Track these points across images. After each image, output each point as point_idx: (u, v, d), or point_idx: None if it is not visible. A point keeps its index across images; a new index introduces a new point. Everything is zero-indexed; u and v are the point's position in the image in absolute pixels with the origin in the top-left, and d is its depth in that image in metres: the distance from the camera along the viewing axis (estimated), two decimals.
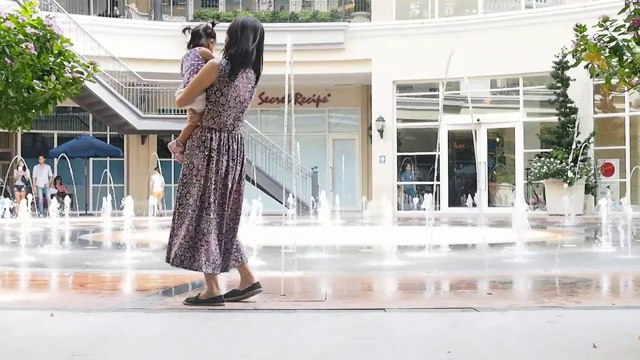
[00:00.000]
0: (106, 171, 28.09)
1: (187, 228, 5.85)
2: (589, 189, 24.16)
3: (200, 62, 6.09)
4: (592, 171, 24.26)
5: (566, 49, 20.20)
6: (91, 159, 30.04)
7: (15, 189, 26.79)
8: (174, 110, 27.05)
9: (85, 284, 7.86)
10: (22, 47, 6.18)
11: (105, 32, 26.19)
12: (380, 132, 27.63)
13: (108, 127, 29.75)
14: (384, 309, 5.66)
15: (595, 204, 23.20)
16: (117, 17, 29.69)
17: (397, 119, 28.27)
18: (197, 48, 6.17)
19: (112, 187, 26.55)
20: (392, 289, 7.68)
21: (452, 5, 28.93)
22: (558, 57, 23.72)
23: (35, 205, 25.92)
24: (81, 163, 29.19)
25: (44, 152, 29.01)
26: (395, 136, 28.16)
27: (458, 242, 13.75)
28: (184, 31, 6.43)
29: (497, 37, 25.92)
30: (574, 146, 23.63)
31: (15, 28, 6.26)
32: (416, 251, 11.03)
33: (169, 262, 5.93)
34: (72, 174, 25.73)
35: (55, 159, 27.98)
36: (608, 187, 24.68)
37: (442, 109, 25.80)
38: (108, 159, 30.34)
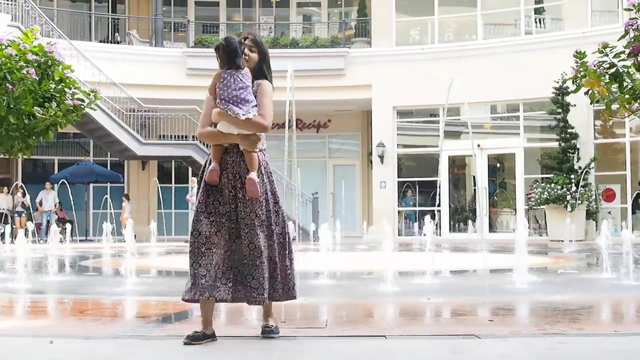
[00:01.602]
0: (106, 197, 28.06)
1: (293, 256, 5.66)
2: (590, 215, 24.11)
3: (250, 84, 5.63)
4: (593, 197, 24.22)
5: (566, 74, 20.10)
6: (92, 185, 30.03)
7: (15, 214, 26.76)
8: (174, 136, 27.10)
9: (85, 311, 7.83)
10: (23, 72, 6.20)
11: (106, 58, 26.26)
12: (381, 157, 27.64)
13: (108, 153, 29.76)
14: (384, 336, 5.64)
15: (596, 229, 23.15)
16: (118, 43, 29.79)
17: (398, 145, 28.28)
18: (247, 69, 5.60)
19: (113, 213, 26.52)
20: (393, 315, 7.65)
21: (452, 31, 29.03)
22: (558, 82, 23.76)
23: (36, 231, 25.91)
24: (82, 189, 29.17)
25: (45, 177, 29.00)
26: (396, 162, 28.17)
27: (459, 268, 13.71)
28: (216, 49, 5.59)
29: (497, 62, 25.98)
30: (574, 172, 23.64)
31: (16, 54, 6.29)
32: (417, 277, 11.00)
33: (293, 299, 5.61)
34: (72, 200, 25.71)
35: (55, 185, 27.98)
36: (609, 212, 24.66)
37: (443, 135, 25.80)
38: (108, 184, 30.32)
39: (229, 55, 5.52)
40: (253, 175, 5.46)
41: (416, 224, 26.43)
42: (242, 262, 5.39)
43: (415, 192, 28.77)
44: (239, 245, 5.42)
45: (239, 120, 5.42)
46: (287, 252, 5.57)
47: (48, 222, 26.48)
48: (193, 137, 25.92)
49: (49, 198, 27.17)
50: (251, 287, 5.33)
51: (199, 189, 5.57)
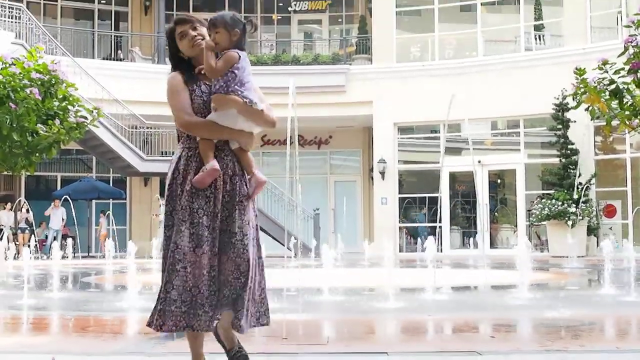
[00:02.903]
0: (109, 213, 28.13)
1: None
2: (591, 231, 24.12)
3: None
4: (594, 212, 24.23)
5: (566, 90, 20.26)
6: (94, 201, 30.05)
7: (18, 231, 26.78)
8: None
9: (87, 327, 7.85)
10: (26, 92, 6.25)
11: (109, 75, 26.35)
12: (382, 173, 27.68)
13: (111, 169, 29.80)
14: (386, 352, 5.65)
15: (597, 245, 23.14)
16: (121, 60, 29.91)
17: (399, 161, 28.32)
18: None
19: (115, 229, 26.57)
20: (394, 331, 7.66)
21: (453, 48, 29.11)
22: (558, 99, 23.83)
23: (39, 247, 25.93)
24: (84, 205, 29.20)
25: (48, 194, 29.04)
26: (397, 178, 28.20)
27: (460, 284, 13.72)
28: (249, 23, 4.78)
29: (497, 79, 26.06)
30: (575, 188, 23.65)
31: (20, 73, 6.34)
32: (418, 293, 11.01)
33: (266, 325, 4.83)
34: (74, 216, 25.76)
35: (58, 201, 28.03)
36: (610, 228, 24.66)
37: (444, 151, 25.84)
38: (111, 201, 30.36)
39: (243, 34, 4.74)
40: (262, 175, 4.77)
41: (420, 239, 26.46)
42: (229, 282, 4.51)
43: (425, 209, 28.75)
44: (227, 261, 4.52)
45: (253, 112, 4.62)
46: (263, 272, 4.80)
47: (55, 238, 26.49)
48: None
49: (57, 214, 27.16)
50: (240, 311, 4.48)
51: (176, 193, 4.60)
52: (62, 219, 27.35)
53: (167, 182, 4.70)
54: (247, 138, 4.72)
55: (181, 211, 4.55)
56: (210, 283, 4.51)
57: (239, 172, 4.68)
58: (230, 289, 4.51)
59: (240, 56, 4.65)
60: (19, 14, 25.10)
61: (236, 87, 4.59)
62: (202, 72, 4.69)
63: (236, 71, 4.62)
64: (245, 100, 4.59)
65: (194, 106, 4.61)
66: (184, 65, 4.76)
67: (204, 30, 4.71)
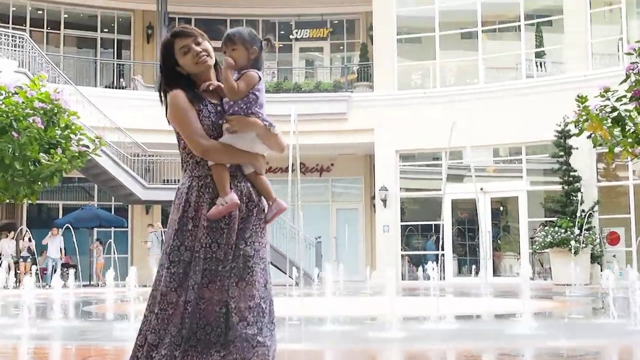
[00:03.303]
0: (110, 241, 28.07)
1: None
2: (595, 258, 24.02)
3: None
4: (597, 240, 24.15)
5: (568, 117, 20.26)
6: (96, 230, 30.02)
7: (20, 259, 26.72)
8: (178, 180, 27.11)
9: (88, 357, 7.79)
10: (29, 120, 6.25)
11: (111, 104, 26.39)
12: (384, 201, 27.65)
13: (113, 198, 29.80)
14: None
15: (601, 273, 23.03)
16: (123, 88, 29.99)
17: (401, 188, 28.30)
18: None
19: (116, 258, 26.50)
20: None
21: (454, 75, 29.19)
22: (560, 125, 23.84)
23: (41, 276, 25.86)
24: (86, 233, 29.17)
25: (49, 222, 29.02)
26: (399, 205, 28.16)
27: (464, 313, 13.65)
28: (267, 41, 4.48)
29: (498, 106, 26.07)
30: (578, 215, 23.59)
31: (23, 102, 6.34)
32: (421, 322, 10.95)
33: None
34: (76, 245, 25.72)
35: (60, 230, 28.00)
36: (614, 256, 24.55)
37: (445, 178, 25.82)
38: (112, 229, 30.32)
39: (261, 53, 4.46)
40: (281, 202, 4.46)
41: (428, 266, 26.35)
42: (247, 309, 4.11)
43: (434, 236, 28.68)
44: (246, 287, 4.15)
45: (270, 136, 4.35)
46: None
47: (53, 267, 26.42)
48: None
49: (55, 243, 27.11)
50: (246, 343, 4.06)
51: (187, 228, 4.22)
52: (60, 248, 27.28)
53: (177, 215, 4.27)
54: (262, 161, 4.43)
55: (203, 249, 4.15)
56: (223, 319, 4.08)
57: (255, 197, 4.33)
58: (248, 317, 4.13)
59: (260, 77, 4.38)
60: (22, 42, 25.21)
61: (257, 109, 4.34)
62: (207, 89, 4.33)
63: (257, 93, 4.35)
64: (265, 123, 4.33)
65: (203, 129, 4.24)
66: (183, 81, 4.35)
67: (208, 45, 4.38)
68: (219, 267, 4.15)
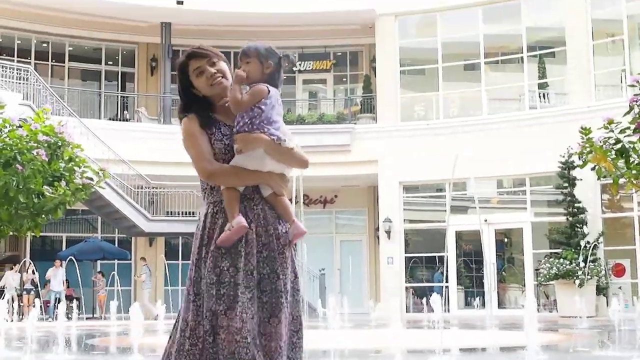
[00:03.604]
0: (114, 274, 28.02)
1: None
2: (601, 290, 23.87)
3: None
4: (603, 272, 24.02)
5: (572, 149, 20.29)
6: (99, 262, 29.96)
7: (24, 292, 26.65)
8: (182, 212, 27.13)
9: None
10: (33, 153, 6.25)
11: (115, 136, 26.44)
12: (388, 233, 27.59)
13: (116, 230, 29.78)
14: None
15: (607, 305, 22.90)
16: (127, 120, 30.06)
17: (405, 220, 28.22)
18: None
19: (120, 290, 26.46)
20: None
21: (457, 107, 29.24)
22: (564, 157, 23.80)
23: (44, 308, 25.79)
24: (89, 266, 29.11)
25: (53, 254, 28.98)
26: (403, 237, 28.08)
27: (469, 346, 13.56)
28: (286, 58, 4.32)
29: (502, 137, 26.07)
30: (583, 246, 23.48)
31: (27, 135, 6.35)
32: (426, 356, 10.87)
33: None
34: (79, 277, 25.67)
35: (63, 262, 27.97)
36: (620, 288, 24.41)
37: (449, 210, 25.77)
38: (116, 261, 30.25)
39: (278, 69, 4.28)
40: (300, 225, 4.22)
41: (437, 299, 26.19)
42: (281, 347, 3.99)
43: (443, 268, 28.58)
44: (278, 325, 3.99)
45: (282, 151, 4.11)
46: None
47: (57, 299, 26.35)
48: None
49: (58, 275, 27.04)
50: None
51: (202, 257, 4.06)
52: (63, 281, 27.19)
53: (196, 245, 4.12)
54: (278, 181, 4.18)
55: (208, 274, 3.97)
56: (249, 350, 3.85)
57: (274, 221, 4.13)
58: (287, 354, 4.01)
59: (269, 91, 4.17)
60: (27, 75, 25.34)
61: (262, 124, 4.09)
62: (225, 104, 4.17)
63: (263, 107, 4.13)
64: (272, 137, 4.08)
65: (214, 152, 4.08)
66: (199, 103, 4.20)
67: (223, 66, 4.23)
68: (237, 291, 3.93)
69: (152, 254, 30.56)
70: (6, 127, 6.40)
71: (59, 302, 25.48)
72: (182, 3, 28.10)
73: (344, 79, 33.37)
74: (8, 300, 24.57)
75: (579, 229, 23.99)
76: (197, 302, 3.99)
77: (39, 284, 26.61)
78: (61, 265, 27.11)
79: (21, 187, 6.20)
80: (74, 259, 25.98)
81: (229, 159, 4.08)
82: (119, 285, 26.66)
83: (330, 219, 32.45)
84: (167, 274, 26.96)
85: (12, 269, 27.09)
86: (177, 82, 4.31)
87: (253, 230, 4.04)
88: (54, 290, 26.81)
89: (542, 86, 28.31)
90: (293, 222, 4.20)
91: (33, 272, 26.60)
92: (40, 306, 24.66)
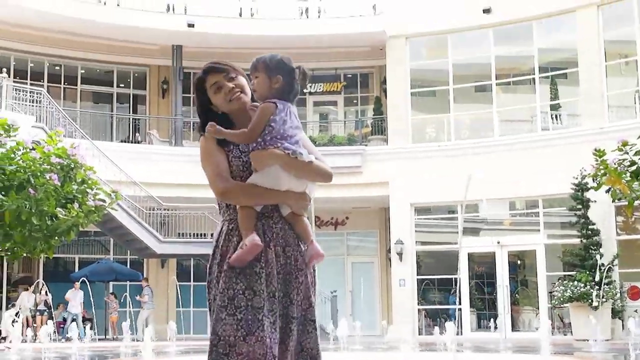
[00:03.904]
0: (126, 295, 28.04)
1: None
2: (616, 313, 23.63)
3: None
4: (618, 294, 23.81)
5: (585, 170, 20.15)
6: (111, 283, 29.97)
7: (37, 313, 26.64)
8: (193, 234, 27.16)
9: None
10: (46, 177, 6.24)
11: (127, 158, 26.51)
12: (400, 255, 27.48)
13: (128, 251, 29.80)
14: None
15: (623, 328, 22.71)
16: (138, 143, 30.14)
17: (416, 242, 28.11)
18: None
19: (132, 312, 26.44)
20: None
21: (468, 128, 29.18)
22: (577, 178, 23.66)
23: (57, 330, 25.77)
24: (101, 287, 29.11)
25: (65, 276, 29.04)
26: (415, 259, 27.94)
27: None
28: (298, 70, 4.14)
29: (514, 159, 25.97)
30: (597, 269, 23.31)
31: (40, 158, 6.35)
32: None
33: None
34: (92, 299, 25.69)
35: (77, 283, 27.98)
36: (636, 311, 24.16)
37: (462, 232, 25.68)
38: (128, 283, 30.27)
39: (289, 82, 4.10)
40: (318, 247, 4.08)
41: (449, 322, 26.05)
42: None
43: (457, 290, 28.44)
44: (285, 352, 3.87)
45: (299, 165, 3.94)
46: None
47: (74, 320, 26.35)
48: (212, 234, 25.96)
49: (77, 297, 27.03)
50: None
51: (215, 276, 3.91)
52: (81, 302, 27.19)
53: (210, 263, 3.98)
54: (298, 200, 3.99)
55: (219, 296, 3.79)
56: None
57: (294, 241, 3.98)
58: None
59: (277, 105, 3.99)
60: (40, 97, 25.49)
61: (275, 139, 3.93)
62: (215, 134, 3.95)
63: (272, 124, 3.96)
64: (287, 152, 3.91)
65: (232, 170, 3.92)
66: (217, 120, 4.01)
67: (242, 80, 4.09)
68: (258, 315, 3.75)
69: (164, 275, 30.56)
70: (20, 150, 6.39)
71: (72, 322, 25.53)
72: (193, 26, 28.20)
73: (355, 101, 33.41)
74: (23, 321, 24.64)
75: (593, 251, 23.80)
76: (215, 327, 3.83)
77: (52, 305, 26.61)
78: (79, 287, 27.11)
79: (34, 209, 6.18)
80: (86, 280, 26.04)
81: (247, 177, 3.92)
82: (131, 306, 26.63)
83: (342, 241, 32.38)
84: (179, 296, 26.93)
85: (27, 289, 27.13)
86: (195, 99, 4.18)
87: (272, 249, 3.89)
88: (71, 312, 26.80)
89: (554, 107, 28.25)
90: (311, 243, 4.04)
91: (46, 293, 26.63)
92: (54, 328, 24.70)
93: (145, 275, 30.49)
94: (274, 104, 3.98)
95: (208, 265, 3.99)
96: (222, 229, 4.00)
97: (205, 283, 3.99)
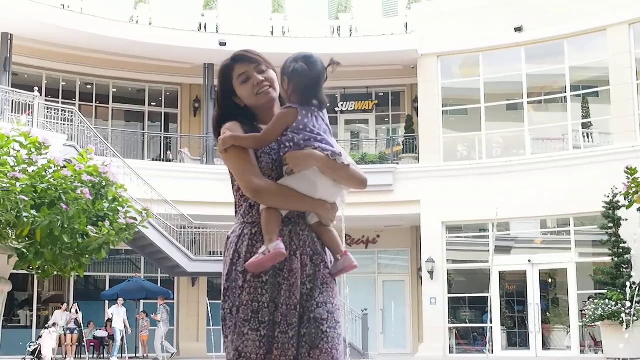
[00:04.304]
0: (160, 315, 28.12)
1: None
2: None
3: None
4: None
5: (616, 188, 20.07)
6: (142, 301, 30.10)
7: (67, 331, 26.78)
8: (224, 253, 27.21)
9: None
10: (77, 192, 6.31)
11: (158, 176, 26.66)
12: (431, 273, 27.39)
13: (159, 269, 29.92)
14: None
15: None
16: (170, 161, 30.31)
17: (447, 260, 28.00)
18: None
19: (163, 329, 26.51)
20: None
21: (500, 147, 29.05)
22: (608, 197, 23.50)
23: (86, 348, 25.88)
24: (132, 305, 29.24)
25: (96, 294, 29.21)
26: (446, 277, 27.83)
27: None
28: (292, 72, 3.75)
29: (546, 177, 25.84)
30: (628, 287, 23.11)
31: (72, 175, 6.42)
32: None
33: None
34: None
35: (107, 302, 28.10)
36: None
37: (493, 250, 25.57)
38: (159, 301, 30.37)
39: (310, 86, 3.70)
40: (352, 257, 3.86)
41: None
42: None
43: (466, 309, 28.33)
44: (321, 356, 3.52)
45: (339, 168, 3.66)
46: None
47: (119, 337, 26.50)
48: None
49: (120, 313, 27.14)
50: None
51: (237, 285, 3.59)
52: (125, 319, 27.23)
53: (225, 270, 3.66)
54: (329, 211, 3.70)
55: (242, 308, 3.50)
56: None
57: (320, 250, 3.69)
58: None
59: (300, 111, 3.66)
60: (72, 116, 25.74)
61: (309, 141, 3.63)
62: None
63: (301, 126, 3.65)
64: (326, 153, 3.61)
65: (260, 166, 3.59)
66: (240, 114, 3.72)
67: (272, 74, 3.76)
68: (275, 332, 3.50)
69: (195, 293, 30.64)
70: (51, 168, 6.48)
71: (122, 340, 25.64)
72: (225, 44, 28.37)
73: (386, 119, 33.43)
74: (56, 339, 24.85)
75: (624, 270, 23.63)
76: (229, 336, 3.59)
77: (82, 324, 26.76)
78: (118, 304, 27.20)
79: (66, 226, 6.25)
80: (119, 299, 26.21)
81: (276, 176, 3.62)
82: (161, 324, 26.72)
83: (373, 259, 32.32)
84: (210, 314, 26.98)
85: (60, 308, 27.29)
86: (218, 86, 3.85)
87: (298, 258, 3.58)
88: (118, 328, 26.88)
89: (585, 126, 28.10)
90: (345, 253, 3.80)
91: (76, 312, 26.77)
92: (83, 346, 24.84)
93: (176, 294, 30.60)
94: (295, 109, 3.66)
95: (225, 272, 3.67)
96: (242, 232, 3.65)
97: None
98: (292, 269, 3.54)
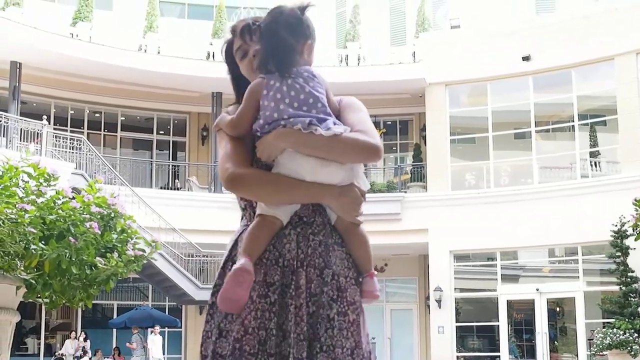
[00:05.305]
0: (158, 334, 28.07)
1: None
2: None
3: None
4: None
5: (624, 218, 20.10)
6: (149, 330, 30.07)
7: (74, 359, 26.74)
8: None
9: None
10: (86, 225, 6.35)
11: (166, 204, 26.72)
12: (438, 302, 27.33)
13: (167, 298, 29.91)
14: None
15: None
16: (178, 189, 30.37)
17: (455, 289, 27.96)
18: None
19: (169, 358, 26.46)
20: None
21: (508, 175, 29.06)
22: (616, 226, 23.47)
23: None
24: (140, 334, 29.21)
25: (104, 322, 29.18)
26: (454, 306, 27.77)
27: None
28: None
29: (553, 206, 25.83)
30: (636, 316, 23.03)
31: (80, 207, 6.46)
32: None
33: None
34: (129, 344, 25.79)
35: (114, 330, 28.07)
36: None
37: (501, 279, 25.52)
38: (166, 329, 30.34)
39: (269, 43, 3.01)
40: (377, 283, 3.07)
41: None
42: None
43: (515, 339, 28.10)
44: None
45: (319, 144, 2.80)
46: None
47: None
48: None
49: (156, 341, 26.95)
50: None
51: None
52: (144, 346, 27.05)
53: (217, 279, 3.09)
54: (340, 195, 2.86)
55: (247, 338, 2.84)
56: None
57: (338, 262, 2.90)
58: None
59: (266, 81, 2.97)
60: (80, 144, 25.82)
61: (275, 121, 2.89)
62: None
63: (265, 103, 2.94)
64: (296, 127, 2.82)
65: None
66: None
67: None
68: None
69: (202, 322, 30.52)
70: (60, 199, 6.53)
71: None
72: None
73: (394, 148, 33.46)
74: None
75: (632, 299, 23.58)
76: None
77: (89, 352, 26.72)
78: (136, 333, 27.04)
79: (74, 258, 6.29)
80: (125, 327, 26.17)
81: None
82: (167, 352, 26.66)
83: (381, 288, 31.97)
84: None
85: (70, 337, 27.25)
86: (227, 69, 3.35)
87: (303, 270, 2.82)
88: (155, 357, 26.73)
89: (593, 155, 28.10)
90: (371, 275, 3.07)
91: (84, 340, 26.74)
92: None
93: (184, 322, 30.57)
94: (262, 79, 3.00)
95: (214, 285, 3.09)
96: (241, 236, 3.04)
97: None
98: (299, 285, 2.79)
